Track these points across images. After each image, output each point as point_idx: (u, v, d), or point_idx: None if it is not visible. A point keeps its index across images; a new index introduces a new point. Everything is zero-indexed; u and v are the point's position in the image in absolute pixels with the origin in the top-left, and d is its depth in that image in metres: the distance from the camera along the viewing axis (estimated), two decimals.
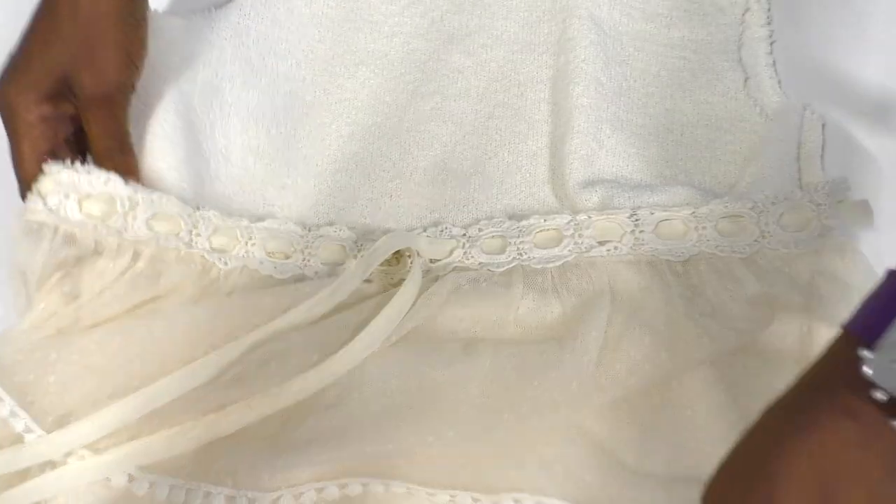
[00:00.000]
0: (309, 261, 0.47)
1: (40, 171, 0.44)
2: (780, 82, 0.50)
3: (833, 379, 0.29)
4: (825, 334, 0.38)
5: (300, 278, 0.46)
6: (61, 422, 0.41)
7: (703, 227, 0.44)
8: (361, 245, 0.47)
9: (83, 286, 0.44)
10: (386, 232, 0.47)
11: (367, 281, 0.45)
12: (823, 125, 0.48)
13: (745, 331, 0.42)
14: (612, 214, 0.45)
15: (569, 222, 0.45)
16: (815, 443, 0.28)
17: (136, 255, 0.45)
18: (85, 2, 0.44)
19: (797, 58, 0.51)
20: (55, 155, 0.45)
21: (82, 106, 0.45)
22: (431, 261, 0.46)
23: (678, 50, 0.52)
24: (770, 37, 0.52)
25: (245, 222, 0.48)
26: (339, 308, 0.44)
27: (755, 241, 0.44)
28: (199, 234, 0.47)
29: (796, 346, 0.42)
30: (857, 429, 0.28)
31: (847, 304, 0.38)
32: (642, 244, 0.44)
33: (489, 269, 0.45)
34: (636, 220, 0.45)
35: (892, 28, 0.50)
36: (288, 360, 0.42)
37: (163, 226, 0.46)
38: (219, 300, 0.45)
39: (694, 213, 0.44)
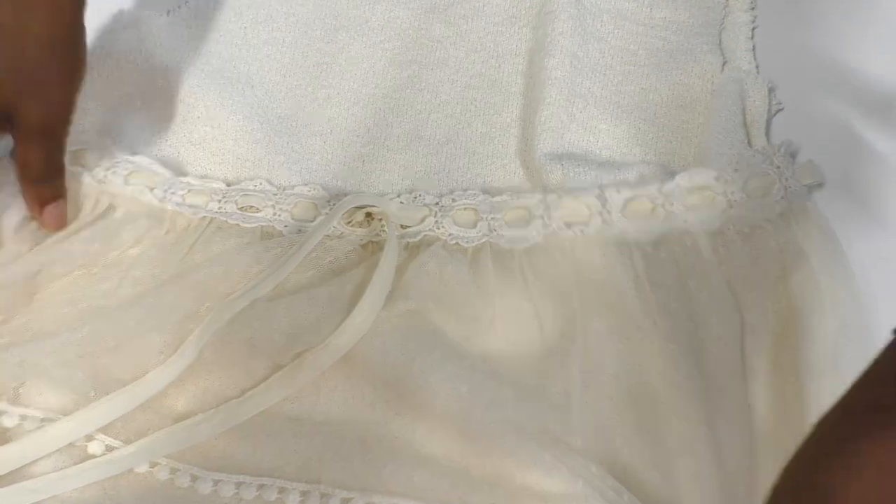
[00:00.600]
0: (280, 215, 0.47)
1: None
2: (757, 68, 0.50)
3: (888, 393, 0.27)
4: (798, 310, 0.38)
5: (269, 234, 0.46)
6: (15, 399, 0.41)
7: (671, 204, 0.43)
8: (333, 204, 0.47)
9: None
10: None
11: (337, 237, 0.45)
12: (770, 89, 0.48)
13: (715, 314, 0.40)
14: (579, 194, 0.44)
15: (539, 201, 0.45)
16: (874, 465, 0.25)
17: (111, 207, 0.47)
18: (30, 32, 0.42)
19: (777, 44, 0.51)
20: None
21: (23, 136, 0.44)
22: (402, 226, 0.46)
23: (658, 30, 0.52)
24: (752, 22, 0.51)
25: (220, 184, 0.48)
26: (322, 280, 0.44)
27: (723, 211, 0.42)
28: (173, 193, 0.47)
29: (775, 325, 0.40)
30: None
31: (814, 277, 0.39)
32: (610, 225, 0.43)
33: (459, 243, 0.45)
34: (603, 199, 0.44)
35: (878, 16, 0.50)
36: (278, 333, 0.41)
37: (139, 180, 0.48)
38: (185, 264, 0.45)
39: (660, 188, 0.44)
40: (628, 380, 0.39)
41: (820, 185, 0.43)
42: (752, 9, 0.52)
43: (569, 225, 0.44)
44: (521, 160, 0.49)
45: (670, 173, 0.45)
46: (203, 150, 0.50)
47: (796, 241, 0.41)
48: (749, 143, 0.46)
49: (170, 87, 0.51)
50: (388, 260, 0.43)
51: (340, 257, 0.45)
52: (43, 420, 0.40)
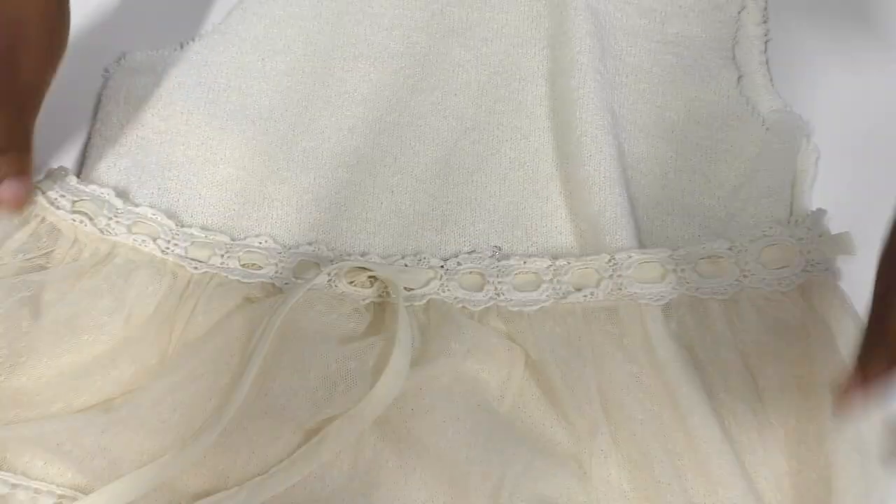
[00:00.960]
0: (281, 273, 0.45)
1: None
2: (772, 81, 0.50)
3: None
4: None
5: (270, 291, 0.45)
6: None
7: (682, 269, 0.43)
8: (336, 262, 0.45)
9: (52, 264, 0.45)
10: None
11: (338, 297, 0.44)
12: (817, 158, 0.47)
13: (724, 383, 0.40)
14: (589, 261, 0.44)
15: (548, 267, 0.44)
16: None
17: (111, 255, 0.45)
18: (8, 3, 0.42)
19: (791, 58, 0.51)
20: None
21: None
22: (406, 288, 0.44)
23: (671, 46, 0.51)
24: (765, 36, 0.51)
25: (224, 238, 0.47)
26: (334, 343, 0.43)
27: (736, 280, 0.42)
28: (176, 244, 0.46)
29: (793, 395, 0.40)
30: None
31: (832, 348, 0.39)
32: (620, 288, 0.43)
33: (465, 307, 0.44)
34: (614, 264, 0.43)
35: (890, 29, 0.50)
36: (295, 405, 0.41)
37: (142, 230, 0.46)
38: (188, 332, 0.44)
39: (672, 255, 0.43)
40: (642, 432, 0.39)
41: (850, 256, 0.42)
42: (764, 22, 0.51)
43: (578, 288, 0.43)
44: (558, 185, 0.48)
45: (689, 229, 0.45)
46: (227, 186, 0.49)
47: (815, 312, 0.40)
48: (792, 205, 0.46)
49: (189, 130, 0.50)
50: (403, 327, 0.42)
51: (342, 318, 0.44)
52: (40, 492, 0.39)
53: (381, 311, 0.44)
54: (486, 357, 0.42)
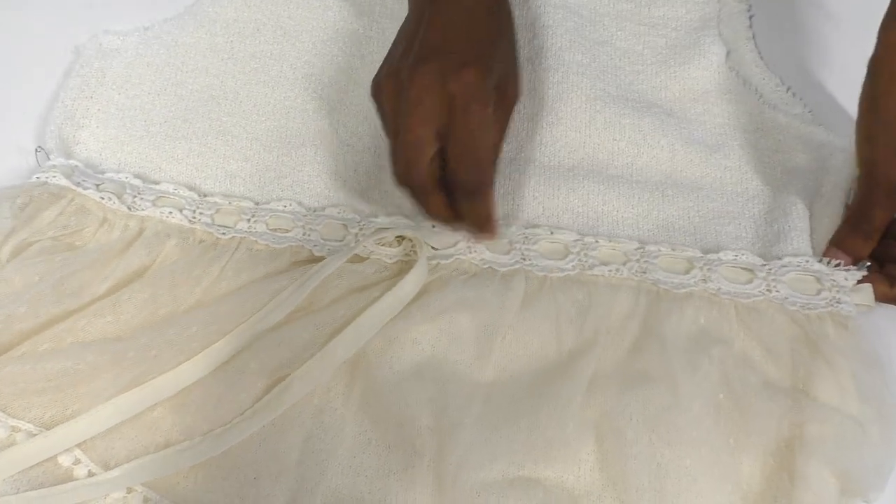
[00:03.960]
0: (309, 235, 0.46)
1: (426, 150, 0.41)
2: (760, 55, 0.51)
3: None
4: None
5: (298, 254, 0.46)
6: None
7: (709, 270, 0.44)
8: (363, 225, 0.47)
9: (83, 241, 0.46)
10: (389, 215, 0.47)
11: (363, 259, 0.45)
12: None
13: (727, 378, 0.40)
14: (620, 244, 0.45)
15: (576, 241, 0.45)
16: None
17: (142, 230, 0.47)
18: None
19: (776, 32, 0.52)
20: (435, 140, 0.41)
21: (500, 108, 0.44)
22: (434, 248, 0.45)
23: (659, 28, 0.53)
24: (748, 10, 0.53)
25: (249, 203, 0.48)
26: (342, 296, 0.43)
27: (760, 293, 0.43)
28: (202, 213, 0.47)
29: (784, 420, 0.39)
30: None
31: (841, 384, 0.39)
32: (644, 272, 0.44)
33: (492, 268, 0.44)
34: (643, 251, 0.44)
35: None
36: (282, 349, 0.41)
37: (167, 203, 0.48)
38: (211, 288, 0.45)
39: (703, 256, 0.44)
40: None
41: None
42: None
43: (605, 263, 0.44)
44: (534, 169, 0.48)
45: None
46: (185, 165, 0.50)
47: (829, 340, 0.41)
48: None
49: (168, 109, 0.52)
50: (410, 280, 0.43)
51: (367, 278, 0.45)
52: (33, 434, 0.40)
53: (407, 270, 0.44)
54: (475, 315, 0.42)
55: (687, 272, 0.43)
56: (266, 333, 0.42)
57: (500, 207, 0.47)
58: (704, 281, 0.43)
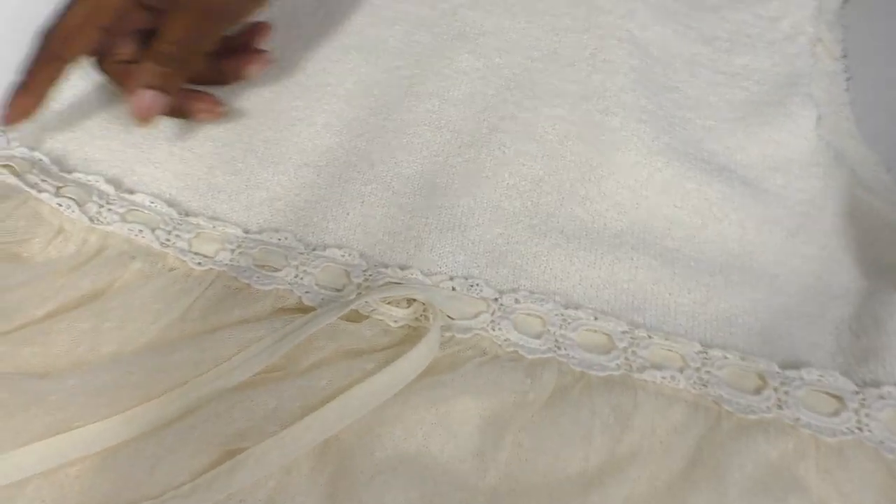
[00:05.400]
0: (302, 278, 0.39)
1: (85, 39, 0.39)
2: (857, 125, 0.43)
3: None
4: None
5: (283, 299, 0.38)
6: None
7: (785, 393, 0.35)
8: (370, 275, 0.39)
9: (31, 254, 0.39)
10: (396, 269, 0.40)
11: (361, 318, 0.37)
12: None
13: None
14: (677, 343, 0.37)
15: (624, 332, 0.37)
16: None
17: (102, 248, 0.39)
18: None
19: (875, 98, 0.44)
20: (110, 32, 0.40)
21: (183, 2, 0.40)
22: (450, 317, 0.37)
23: (740, 79, 0.45)
24: (845, 71, 0.45)
25: (237, 230, 0.40)
26: (328, 361, 0.36)
27: (848, 429, 0.34)
28: (178, 235, 0.40)
29: None
30: None
31: None
32: (705, 385, 0.35)
33: (518, 352, 0.36)
34: (705, 357, 0.36)
35: None
36: (240, 417, 0.34)
37: (138, 219, 0.41)
38: (170, 328, 0.37)
39: (779, 371, 0.36)
40: None
41: None
42: (844, 57, 0.45)
43: (657, 366, 0.36)
44: (560, 222, 0.41)
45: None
46: (171, 167, 0.43)
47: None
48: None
49: None
50: (416, 354, 0.35)
51: (363, 343, 0.37)
52: None
53: (413, 337, 0.37)
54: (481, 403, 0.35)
55: (758, 391, 0.35)
56: (225, 394, 0.34)
57: (531, 270, 0.39)
58: (780, 406, 0.34)
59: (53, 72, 0.39)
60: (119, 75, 0.43)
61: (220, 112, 0.44)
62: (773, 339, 0.37)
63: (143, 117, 0.40)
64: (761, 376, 0.36)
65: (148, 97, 0.40)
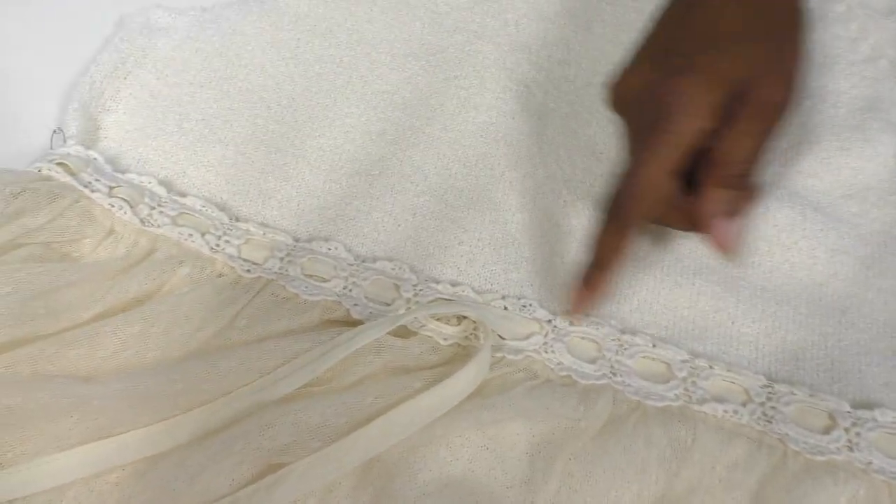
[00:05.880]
0: (351, 290, 0.38)
1: (659, 192, 0.35)
2: None
3: None
4: None
5: (331, 311, 0.37)
6: None
7: (859, 432, 0.33)
8: (420, 290, 0.38)
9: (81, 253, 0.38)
10: (455, 286, 0.39)
11: (410, 334, 0.36)
12: None
13: None
14: (740, 376, 0.35)
15: (684, 361, 0.36)
16: None
17: (151, 251, 0.39)
18: None
19: None
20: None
21: (747, 117, 0.34)
22: (502, 337, 0.36)
23: (815, 101, 0.43)
24: None
25: (287, 238, 0.40)
26: (374, 377, 0.35)
27: None
28: (227, 241, 0.39)
29: None
30: None
31: None
32: (770, 421, 0.34)
33: (571, 377, 0.35)
34: (770, 392, 0.34)
35: None
36: (284, 431, 0.33)
37: (189, 223, 0.40)
38: (217, 336, 0.36)
39: (851, 413, 0.34)
40: None
41: None
42: None
43: (719, 399, 0.34)
44: (641, 255, 0.39)
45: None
46: (215, 174, 0.42)
47: None
48: None
49: (208, 105, 0.44)
50: (466, 375, 0.34)
51: (411, 360, 0.36)
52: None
53: (462, 356, 0.36)
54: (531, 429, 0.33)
55: (827, 431, 0.33)
56: (269, 406, 0.33)
57: (584, 297, 0.37)
58: (850, 448, 0.32)
59: (624, 241, 0.35)
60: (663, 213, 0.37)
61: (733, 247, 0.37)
62: (843, 377, 0.35)
63: (731, 248, 0.35)
64: (831, 415, 0.34)
65: (734, 227, 0.35)
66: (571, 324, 0.37)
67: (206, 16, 0.46)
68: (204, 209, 0.40)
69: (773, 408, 0.34)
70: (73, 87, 0.44)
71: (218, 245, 0.39)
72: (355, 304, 0.37)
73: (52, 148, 0.42)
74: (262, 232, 0.40)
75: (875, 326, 0.36)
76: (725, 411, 0.34)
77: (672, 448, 0.33)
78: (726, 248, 0.35)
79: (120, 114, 0.43)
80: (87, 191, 0.39)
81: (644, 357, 0.36)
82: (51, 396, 0.32)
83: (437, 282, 0.38)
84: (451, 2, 0.47)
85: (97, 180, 0.40)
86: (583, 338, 0.36)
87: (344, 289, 0.38)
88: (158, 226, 0.39)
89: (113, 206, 0.39)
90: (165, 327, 0.35)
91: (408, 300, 0.38)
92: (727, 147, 0.34)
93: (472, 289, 0.38)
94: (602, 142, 0.42)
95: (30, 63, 0.46)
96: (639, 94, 0.36)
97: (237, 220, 0.40)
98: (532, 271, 0.39)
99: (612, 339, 0.36)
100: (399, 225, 0.40)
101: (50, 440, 0.32)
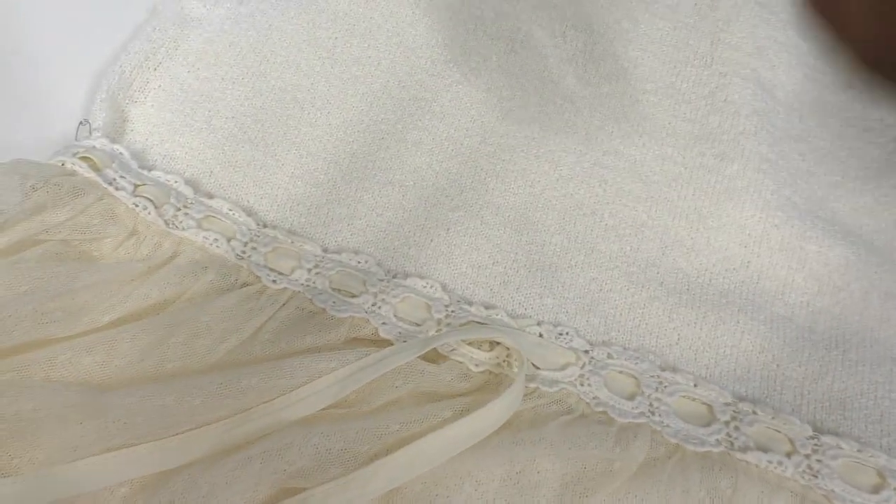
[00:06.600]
0: (380, 308, 0.36)
1: None
2: None
3: None
4: None
5: (360, 327, 0.36)
6: None
7: None
8: (452, 311, 0.36)
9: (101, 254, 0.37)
10: (488, 308, 0.37)
11: (440, 358, 0.35)
12: None
13: None
14: (786, 424, 0.33)
15: (727, 404, 0.34)
16: None
17: (175, 255, 0.37)
18: None
19: None
20: None
21: None
22: (536, 366, 0.35)
23: (874, 134, 0.41)
24: None
25: (316, 248, 0.38)
26: (400, 402, 0.33)
27: None
28: (254, 248, 0.38)
29: None
30: None
31: None
32: (816, 476, 0.32)
33: (607, 414, 0.33)
34: (817, 444, 0.33)
35: None
36: (302, 454, 0.31)
37: (215, 227, 0.38)
38: (239, 349, 0.35)
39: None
40: None
41: None
42: None
43: (763, 448, 0.32)
44: (659, 272, 0.38)
45: None
46: (243, 176, 0.41)
47: None
48: None
49: (240, 102, 0.42)
50: (498, 407, 0.32)
51: (440, 386, 0.34)
52: None
53: (493, 384, 0.34)
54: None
55: (876, 490, 0.31)
56: (288, 427, 0.32)
57: (624, 322, 0.36)
58: None
59: None
60: None
61: None
62: (894, 430, 0.33)
63: None
64: (880, 473, 0.32)
65: None
66: (610, 356, 0.35)
67: (241, 9, 0.44)
68: (231, 213, 0.39)
69: (818, 461, 0.32)
70: (102, 76, 0.42)
71: (244, 252, 0.37)
72: (384, 323, 0.36)
73: (77, 139, 0.40)
74: (289, 240, 0.38)
75: None
76: (769, 462, 0.32)
77: (711, 498, 0.31)
78: None
79: (147, 106, 0.42)
80: (111, 188, 0.38)
81: (684, 396, 0.34)
82: (63, 404, 0.31)
83: (470, 303, 0.37)
84: (497, 7, 0.45)
85: (122, 177, 0.38)
86: (621, 371, 0.35)
87: (373, 305, 0.36)
88: (183, 228, 0.38)
89: (137, 206, 0.38)
90: (186, 337, 0.34)
91: (438, 321, 0.36)
92: None
93: (506, 312, 0.36)
94: (650, 165, 0.40)
95: (58, 49, 0.44)
96: None
97: (264, 225, 0.39)
98: (568, 297, 0.37)
99: (652, 376, 0.34)
100: (431, 240, 0.39)
101: (59, 449, 0.30)
